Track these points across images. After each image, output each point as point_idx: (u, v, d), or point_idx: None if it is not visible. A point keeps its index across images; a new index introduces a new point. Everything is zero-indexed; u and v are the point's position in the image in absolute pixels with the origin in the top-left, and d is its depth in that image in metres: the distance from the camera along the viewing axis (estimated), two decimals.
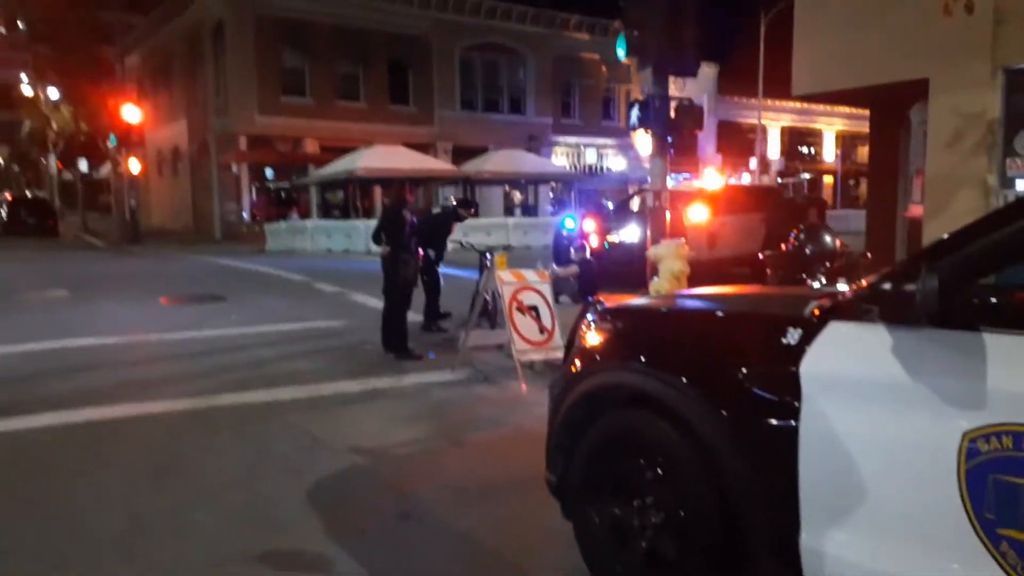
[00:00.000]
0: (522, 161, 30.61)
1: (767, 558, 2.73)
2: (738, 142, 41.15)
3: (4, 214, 31.79)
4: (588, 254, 11.64)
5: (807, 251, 11.17)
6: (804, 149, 44.86)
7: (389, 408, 6.49)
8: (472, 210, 9.81)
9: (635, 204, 15.92)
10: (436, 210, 10.95)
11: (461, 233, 10.70)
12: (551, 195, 38.46)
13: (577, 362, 3.62)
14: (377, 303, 9.05)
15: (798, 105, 39.28)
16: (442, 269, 9.86)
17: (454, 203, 9.98)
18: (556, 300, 8.65)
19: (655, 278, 9.74)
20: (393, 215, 8.38)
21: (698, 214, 13.30)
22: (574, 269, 11.42)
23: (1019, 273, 2.62)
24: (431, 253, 9.14)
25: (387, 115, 31.66)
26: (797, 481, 2.62)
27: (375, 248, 8.50)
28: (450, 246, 10.04)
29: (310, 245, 25.87)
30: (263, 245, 27.02)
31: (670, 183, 11.45)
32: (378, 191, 32.37)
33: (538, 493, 3.98)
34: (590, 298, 4.20)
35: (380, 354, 8.34)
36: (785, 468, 2.64)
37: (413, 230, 8.20)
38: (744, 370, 2.85)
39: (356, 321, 10.53)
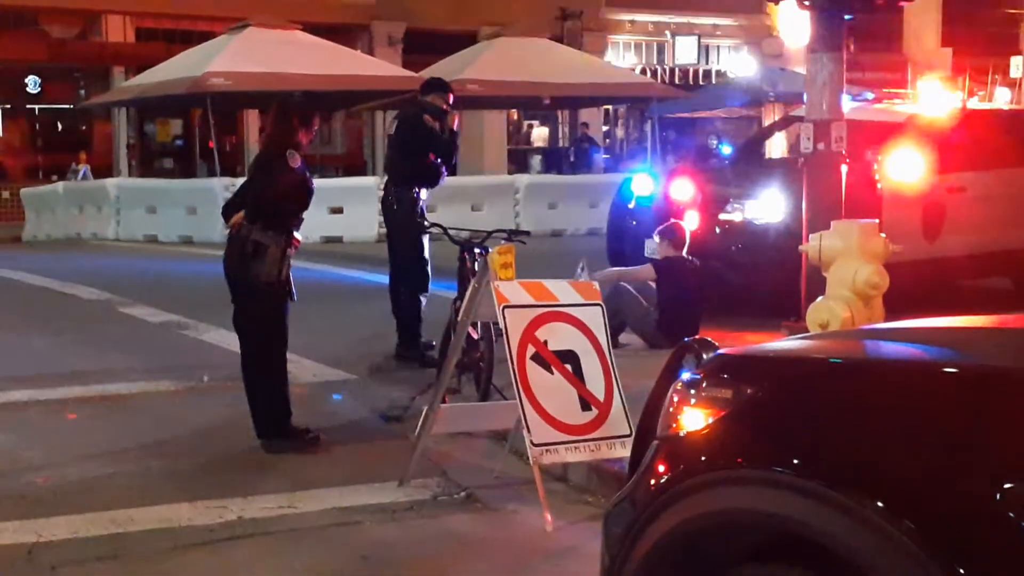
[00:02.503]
0: (545, 61, 26.20)
1: None
2: (986, 25, 36.65)
3: None
4: (681, 248, 10.24)
5: None
6: None
7: (269, 563, 5.72)
8: (449, 105, 9.69)
9: (776, 148, 13.56)
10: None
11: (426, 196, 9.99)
12: (604, 130, 34.67)
13: (662, 468, 3.21)
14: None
15: None
16: (372, 278, 10.33)
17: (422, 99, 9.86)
18: (615, 341, 8.04)
19: (820, 297, 8.53)
20: (269, 165, 7.54)
21: (907, 170, 11.31)
22: (646, 271, 10.05)
23: None
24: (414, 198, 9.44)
25: None
26: None
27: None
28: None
29: (115, 227, 22.80)
30: (17, 228, 24.78)
31: (848, 106, 10.58)
32: (253, 120, 29.27)
33: None
34: (687, 338, 3.64)
35: (250, 447, 7.53)
36: None
37: (302, 190, 7.54)
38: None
39: (207, 382, 9.55)
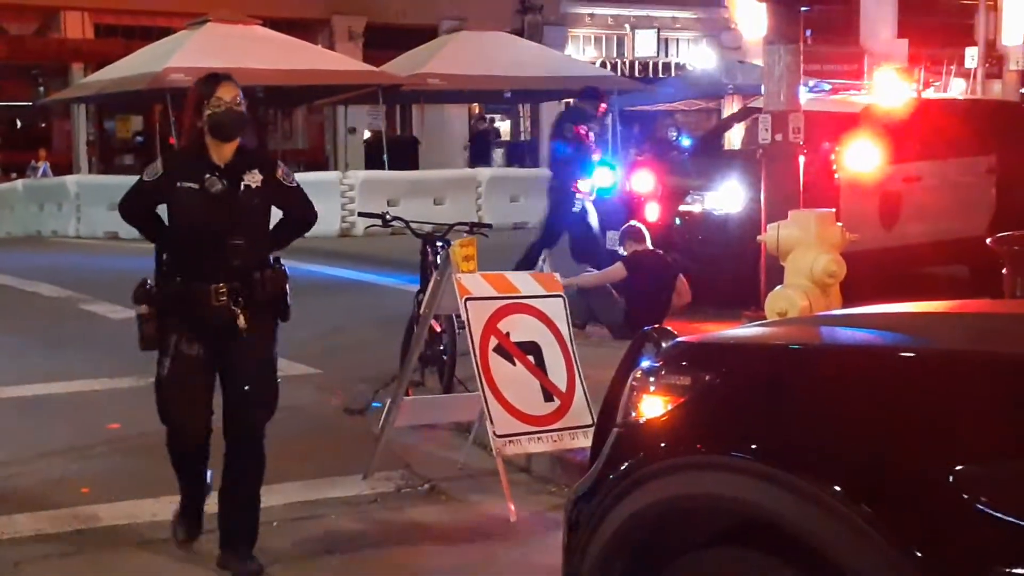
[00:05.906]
0: (506, 55, 26.06)
1: None
2: (940, 17, 36.71)
3: None
4: (643, 241, 10.23)
5: None
6: None
7: None
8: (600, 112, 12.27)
9: (734, 139, 14.92)
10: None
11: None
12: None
13: (622, 455, 3.21)
14: None
15: None
16: (334, 272, 10.07)
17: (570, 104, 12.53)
18: (582, 330, 7.89)
19: (778, 286, 8.49)
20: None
21: (864, 159, 11.34)
22: (617, 271, 10.04)
23: None
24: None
25: None
26: None
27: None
28: (359, 223, 10.19)
29: (75, 224, 22.54)
30: None
31: (805, 97, 10.58)
32: None
33: None
34: (647, 327, 3.63)
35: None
36: None
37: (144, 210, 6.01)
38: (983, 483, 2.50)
39: None
